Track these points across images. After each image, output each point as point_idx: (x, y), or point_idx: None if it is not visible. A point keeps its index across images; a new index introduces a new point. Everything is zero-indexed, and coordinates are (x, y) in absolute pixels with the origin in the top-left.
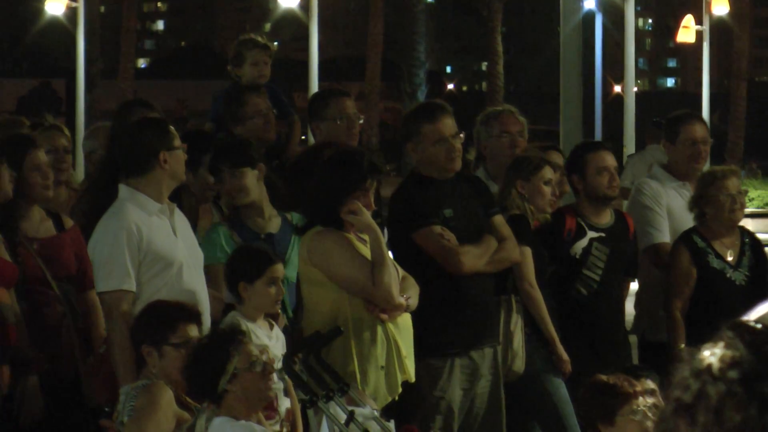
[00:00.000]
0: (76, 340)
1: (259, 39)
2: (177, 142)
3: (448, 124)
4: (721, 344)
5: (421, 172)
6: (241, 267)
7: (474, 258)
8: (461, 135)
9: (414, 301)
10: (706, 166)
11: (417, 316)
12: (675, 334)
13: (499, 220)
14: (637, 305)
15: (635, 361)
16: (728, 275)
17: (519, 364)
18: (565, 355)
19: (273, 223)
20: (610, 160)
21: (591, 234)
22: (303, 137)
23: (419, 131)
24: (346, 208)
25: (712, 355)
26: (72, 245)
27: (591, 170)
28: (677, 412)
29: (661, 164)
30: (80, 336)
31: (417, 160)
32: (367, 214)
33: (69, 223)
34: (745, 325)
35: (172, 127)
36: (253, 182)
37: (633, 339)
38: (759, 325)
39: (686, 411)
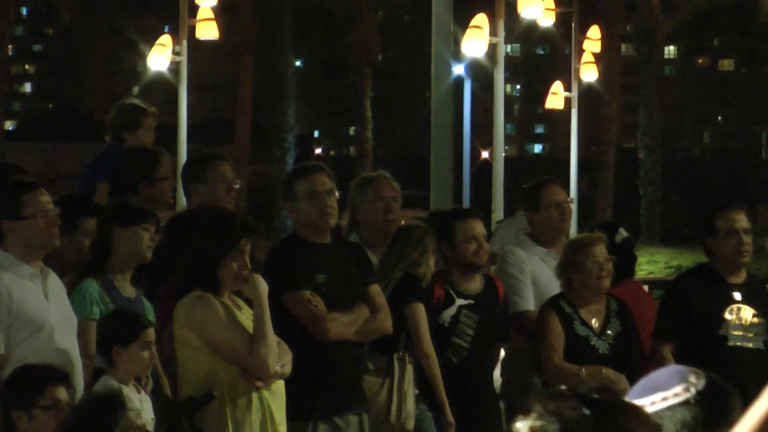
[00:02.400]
0: None
1: (146, 106)
2: (49, 206)
3: (322, 180)
4: (533, 415)
5: (299, 234)
6: (114, 331)
7: (341, 326)
8: (336, 193)
9: (288, 368)
10: (574, 231)
11: (289, 379)
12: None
13: (374, 289)
14: (503, 371)
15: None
16: (592, 343)
17: (411, 424)
18: (452, 419)
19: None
20: (478, 228)
21: (459, 301)
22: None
23: (294, 189)
24: (229, 271)
25: (523, 426)
26: None
27: (459, 238)
28: None
29: (525, 232)
30: None
31: (294, 220)
32: (260, 285)
33: None
34: (551, 394)
35: (44, 192)
36: (148, 244)
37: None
38: (564, 391)
39: None
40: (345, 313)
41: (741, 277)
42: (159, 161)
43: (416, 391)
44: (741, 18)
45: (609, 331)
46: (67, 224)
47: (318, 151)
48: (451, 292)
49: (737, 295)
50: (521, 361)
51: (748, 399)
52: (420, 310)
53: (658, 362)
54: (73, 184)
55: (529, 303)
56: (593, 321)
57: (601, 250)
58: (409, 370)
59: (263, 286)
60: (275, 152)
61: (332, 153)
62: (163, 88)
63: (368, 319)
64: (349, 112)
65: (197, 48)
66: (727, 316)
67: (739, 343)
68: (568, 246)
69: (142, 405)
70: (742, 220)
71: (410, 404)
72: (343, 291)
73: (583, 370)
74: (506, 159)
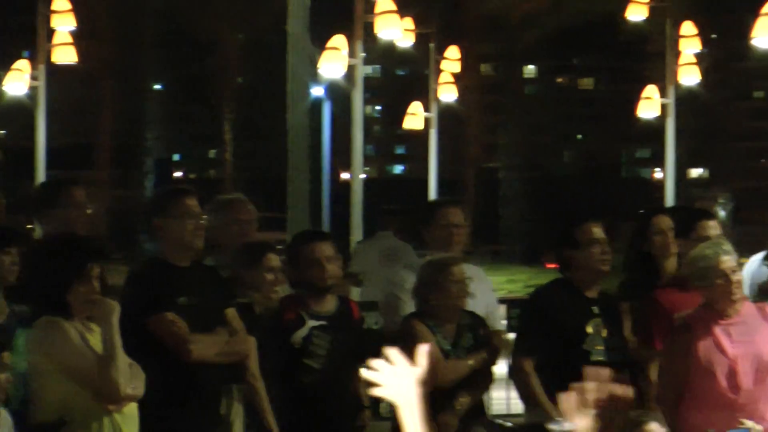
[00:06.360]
0: None
1: None
2: None
3: (193, 202)
4: None
5: (161, 256)
6: None
7: (204, 348)
8: (203, 216)
9: (140, 391)
10: None
11: (147, 402)
12: None
13: (232, 312)
14: None
15: None
16: (449, 358)
17: None
18: None
19: None
20: (322, 250)
21: (311, 323)
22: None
23: (165, 208)
24: (77, 296)
25: None
26: None
27: (303, 262)
28: None
29: (415, 252)
30: None
31: (161, 241)
32: (107, 308)
33: None
34: None
35: None
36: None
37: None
38: None
39: None
40: (207, 335)
41: (596, 292)
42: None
43: (247, 421)
44: (600, 37)
45: (462, 345)
46: None
47: (178, 174)
48: (303, 313)
49: (595, 309)
50: None
51: None
52: (252, 343)
53: (519, 377)
54: None
55: None
56: (448, 336)
57: (459, 270)
58: (236, 401)
59: (110, 310)
60: (135, 176)
61: (192, 176)
62: (20, 114)
63: (228, 341)
64: (210, 134)
65: (56, 72)
66: (589, 330)
67: (601, 358)
68: (426, 266)
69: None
70: (600, 232)
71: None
72: (203, 313)
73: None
74: (366, 180)
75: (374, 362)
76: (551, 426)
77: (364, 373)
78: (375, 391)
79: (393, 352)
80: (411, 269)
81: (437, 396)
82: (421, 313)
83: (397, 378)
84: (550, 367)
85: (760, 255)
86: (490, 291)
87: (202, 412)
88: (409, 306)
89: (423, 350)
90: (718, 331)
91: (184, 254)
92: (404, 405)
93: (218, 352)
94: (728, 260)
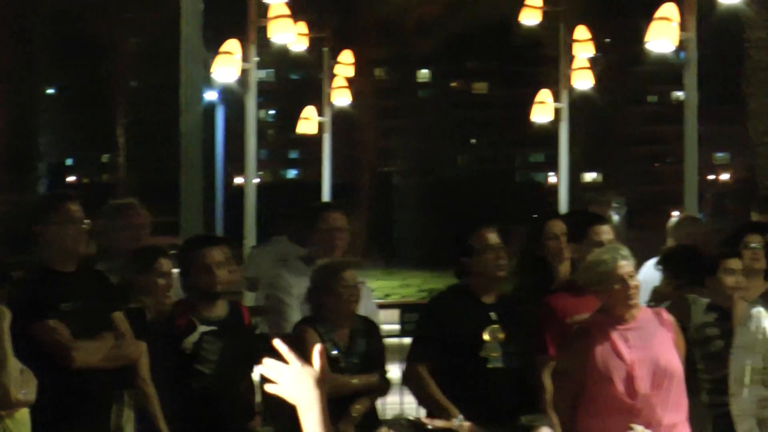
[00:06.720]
0: None
1: None
2: None
3: (74, 208)
4: None
5: (45, 262)
6: None
7: (87, 353)
8: (86, 222)
9: (31, 396)
10: None
11: (37, 407)
12: None
13: (119, 316)
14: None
15: None
16: (341, 364)
17: None
18: None
19: None
20: (212, 256)
21: (202, 328)
22: None
23: (46, 215)
24: None
25: None
26: None
27: (193, 267)
28: None
29: (299, 256)
30: None
31: (44, 245)
32: None
33: None
34: None
35: None
36: None
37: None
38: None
39: None
40: (91, 341)
41: (494, 297)
42: None
43: (140, 427)
44: (494, 41)
45: (355, 350)
46: None
47: (72, 178)
48: (194, 319)
49: (493, 315)
50: None
51: (506, 419)
52: (143, 348)
53: (415, 382)
54: None
55: None
56: (340, 342)
57: (351, 275)
58: (128, 406)
59: (1, 316)
60: (27, 181)
61: (86, 180)
62: None
63: (114, 346)
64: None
65: None
66: (486, 337)
67: (498, 365)
68: (319, 270)
69: None
70: (495, 238)
71: None
72: (88, 319)
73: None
74: (260, 184)
75: (269, 361)
76: (454, 421)
77: (261, 369)
78: (272, 389)
79: (286, 352)
80: (295, 273)
81: (333, 402)
82: (313, 318)
83: (294, 377)
84: (446, 375)
85: (653, 260)
86: (369, 298)
87: (91, 418)
88: (295, 310)
89: (317, 350)
90: (615, 336)
91: (68, 260)
92: (303, 406)
93: (104, 357)
94: (626, 265)
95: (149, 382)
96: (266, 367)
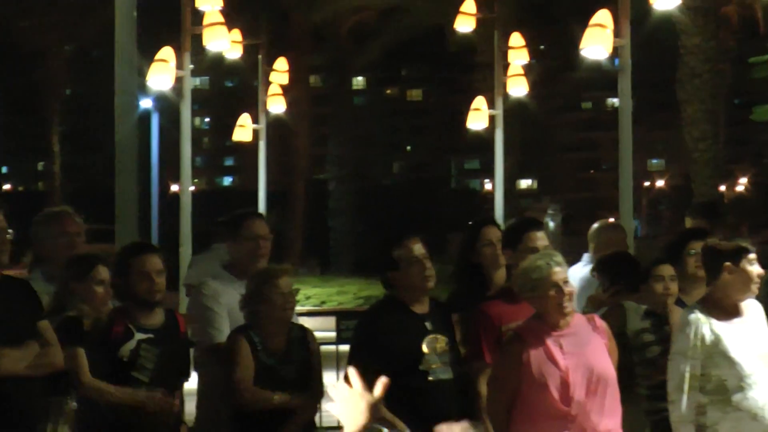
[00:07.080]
0: None
1: None
2: None
3: None
4: None
5: None
6: None
7: (12, 362)
8: (10, 231)
9: None
10: None
11: None
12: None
13: (44, 325)
14: (199, 406)
15: None
16: (281, 372)
17: None
18: None
19: None
20: (151, 263)
21: (139, 335)
22: None
23: None
24: None
25: None
26: None
27: (132, 274)
28: None
29: (223, 263)
30: None
31: None
32: None
33: None
34: None
35: None
36: None
37: None
38: None
39: None
40: (15, 349)
41: (426, 306)
42: None
43: None
44: (429, 48)
45: (294, 358)
46: None
47: (6, 186)
48: (131, 326)
49: (428, 325)
50: (217, 392)
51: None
52: (81, 354)
53: None
54: None
55: (225, 335)
56: (278, 350)
57: (286, 282)
58: (68, 412)
59: None
60: None
61: (21, 188)
62: None
63: (39, 354)
64: (38, 147)
65: None
66: (425, 348)
67: (440, 376)
68: (254, 277)
69: None
70: (420, 248)
71: None
72: (13, 328)
73: (276, 396)
74: (196, 192)
75: (339, 383)
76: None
77: (329, 389)
78: (331, 407)
79: (353, 377)
80: (221, 282)
81: (271, 412)
82: (248, 326)
83: (353, 402)
84: (388, 390)
85: (578, 264)
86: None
87: (17, 427)
88: (224, 318)
89: (381, 382)
90: (549, 342)
91: None
92: (349, 428)
93: (28, 365)
94: (560, 272)
95: (93, 381)
96: (334, 388)
